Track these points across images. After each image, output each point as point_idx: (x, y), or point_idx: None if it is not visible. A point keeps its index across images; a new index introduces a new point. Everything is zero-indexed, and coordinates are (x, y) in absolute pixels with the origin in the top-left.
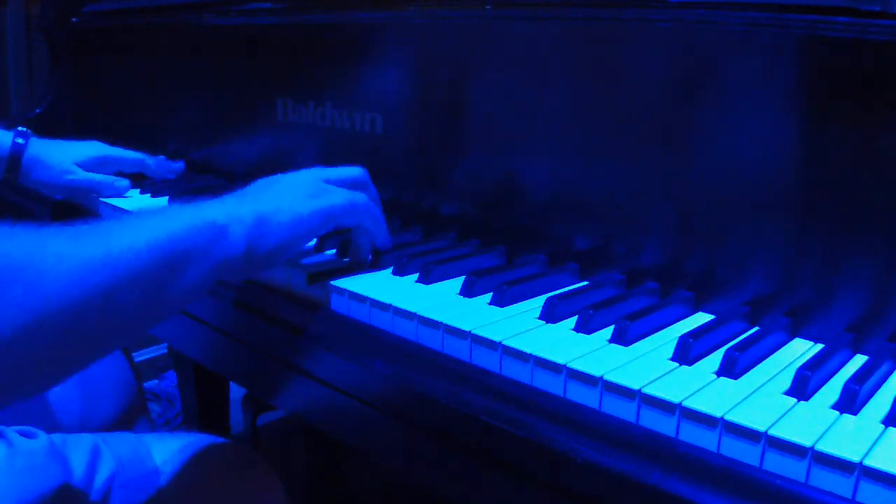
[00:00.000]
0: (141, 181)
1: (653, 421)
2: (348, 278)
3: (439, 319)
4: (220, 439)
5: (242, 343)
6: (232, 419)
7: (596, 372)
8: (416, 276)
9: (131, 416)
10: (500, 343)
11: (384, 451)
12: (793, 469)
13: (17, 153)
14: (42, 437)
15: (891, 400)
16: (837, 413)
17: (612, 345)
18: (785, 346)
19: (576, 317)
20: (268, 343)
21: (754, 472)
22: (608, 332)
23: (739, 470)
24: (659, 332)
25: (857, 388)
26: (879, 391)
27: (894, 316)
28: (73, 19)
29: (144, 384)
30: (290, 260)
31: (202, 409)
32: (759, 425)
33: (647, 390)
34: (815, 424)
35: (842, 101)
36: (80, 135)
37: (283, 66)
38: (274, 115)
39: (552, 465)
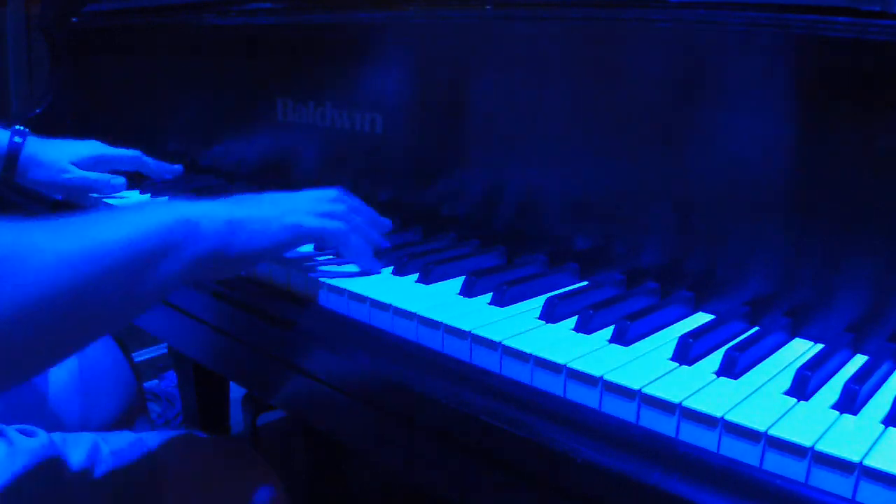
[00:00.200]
0: (141, 181)
1: (653, 421)
2: (348, 278)
3: (439, 319)
4: (221, 438)
5: (242, 343)
6: (232, 419)
7: (596, 372)
8: (415, 276)
9: (131, 415)
10: (500, 343)
11: (384, 451)
12: (793, 469)
13: (14, 152)
14: (42, 436)
15: (891, 400)
16: (837, 413)
17: (612, 345)
18: (785, 346)
19: (576, 317)
20: (267, 343)
21: (754, 472)
22: (608, 332)
23: (739, 470)
24: (659, 332)
25: (857, 388)
26: (879, 391)
27: (894, 316)
28: (73, 19)
29: (144, 384)
30: (291, 260)
31: (202, 409)
32: (759, 425)
33: (647, 390)
34: (815, 424)
35: (842, 101)
36: (81, 135)
37: (283, 66)
38: (274, 115)
39: (552, 465)
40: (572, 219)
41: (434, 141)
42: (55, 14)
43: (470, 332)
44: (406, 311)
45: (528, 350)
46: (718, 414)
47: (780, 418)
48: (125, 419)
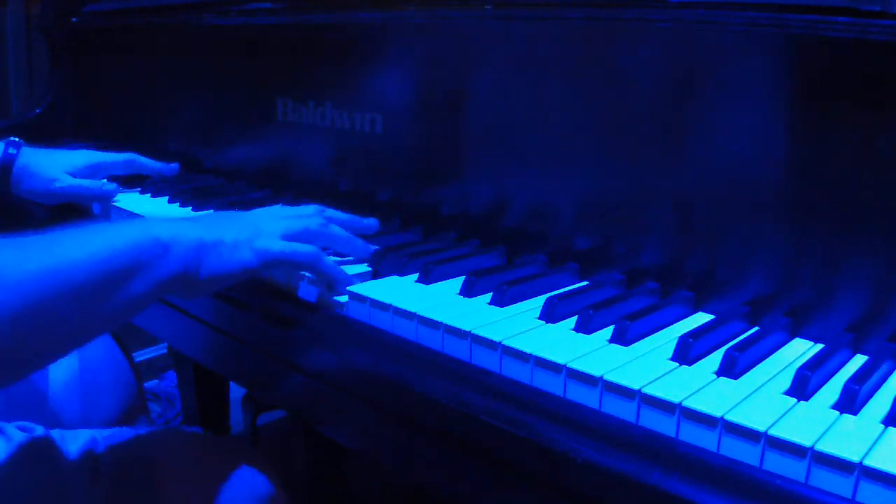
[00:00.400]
0: (141, 181)
1: (653, 421)
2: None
3: (439, 319)
4: (220, 437)
5: (242, 343)
6: (232, 419)
7: (596, 372)
8: (415, 276)
9: (131, 415)
10: (499, 343)
11: (384, 451)
12: (793, 469)
13: (7, 164)
14: (40, 432)
15: (891, 400)
16: (837, 413)
17: (612, 345)
18: (785, 346)
19: (576, 317)
20: (267, 343)
21: (754, 472)
22: (608, 332)
23: (739, 470)
24: (659, 332)
25: (857, 388)
26: (879, 391)
27: (894, 316)
28: (73, 19)
29: (144, 384)
30: None
31: (202, 409)
32: (759, 425)
33: (647, 390)
34: (815, 424)
35: (842, 101)
36: (81, 135)
37: (283, 66)
38: (274, 115)
39: (552, 465)
40: (572, 219)
41: (434, 141)
42: (55, 14)
43: (470, 332)
44: (406, 310)
45: (528, 350)
46: (718, 414)
47: (780, 418)
48: (125, 419)
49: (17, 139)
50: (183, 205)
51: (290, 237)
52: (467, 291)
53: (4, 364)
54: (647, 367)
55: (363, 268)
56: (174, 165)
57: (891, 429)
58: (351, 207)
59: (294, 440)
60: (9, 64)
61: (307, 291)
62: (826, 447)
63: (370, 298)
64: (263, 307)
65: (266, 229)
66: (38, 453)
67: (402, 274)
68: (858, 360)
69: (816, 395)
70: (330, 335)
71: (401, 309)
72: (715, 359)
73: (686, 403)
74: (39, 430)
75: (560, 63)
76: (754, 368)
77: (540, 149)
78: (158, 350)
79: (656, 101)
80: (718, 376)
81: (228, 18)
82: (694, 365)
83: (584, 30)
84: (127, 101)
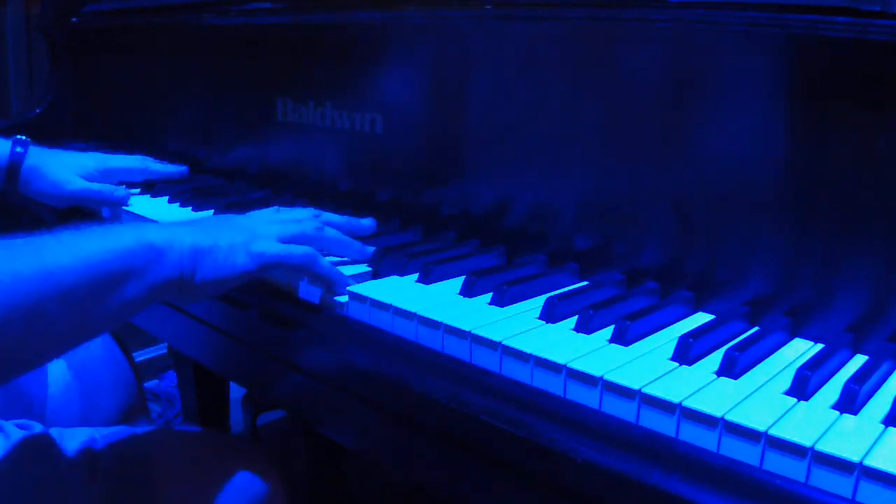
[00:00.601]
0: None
1: (653, 421)
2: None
3: (439, 319)
4: (220, 436)
5: (242, 343)
6: (232, 419)
7: (596, 372)
8: (415, 276)
9: (131, 415)
10: (499, 343)
11: (384, 452)
12: (793, 469)
13: (15, 163)
14: (39, 430)
15: (891, 400)
16: (837, 413)
17: (612, 345)
18: (785, 346)
19: (576, 317)
20: (267, 343)
21: (754, 472)
22: (608, 332)
23: (739, 470)
24: (659, 332)
25: (857, 388)
26: (879, 391)
27: (894, 316)
28: (73, 19)
29: (144, 384)
30: None
31: (202, 409)
32: (759, 425)
33: (647, 390)
34: (815, 424)
35: (842, 101)
36: (81, 135)
37: (283, 66)
38: (274, 115)
39: (552, 465)
40: (572, 219)
41: (434, 141)
42: (55, 14)
43: (470, 332)
44: (406, 310)
45: (527, 350)
46: (718, 414)
47: (780, 418)
48: (125, 419)
49: (24, 138)
50: (183, 205)
51: (286, 241)
52: (467, 291)
53: None
54: (648, 367)
55: (363, 268)
56: (183, 169)
57: (891, 429)
58: (351, 207)
59: (294, 440)
60: (9, 64)
61: (308, 292)
62: (826, 447)
63: (370, 298)
64: (263, 307)
65: (262, 233)
66: (37, 451)
67: (402, 274)
68: (858, 360)
69: (816, 395)
70: (330, 335)
71: (401, 309)
72: (715, 359)
73: (686, 403)
74: (38, 427)
75: (560, 63)
76: (754, 368)
77: (540, 149)
78: (158, 350)
79: (656, 101)
80: (718, 376)
81: (228, 18)
82: (694, 365)
83: (584, 30)
84: (127, 101)
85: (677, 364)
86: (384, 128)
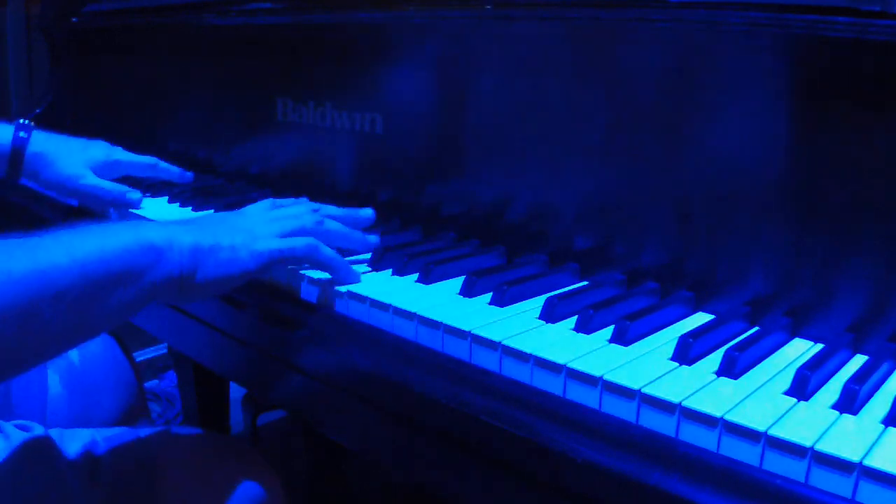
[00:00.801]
0: (139, 181)
1: (653, 421)
2: None
3: (439, 319)
4: (220, 436)
5: (242, 343)
6: (232, 419)
7: (596, 372)
8: (415, 276)
9: (132, 415)
10: (499, 343)
11: (384, 452)
12: (793, 469)
13: (18, 148)
14: (39, 431)
15: (891, 400)
16: (837, 413)
17: (612, 345)
18: (785, 346)
19: (576, 317)
20: (267, 343)
21: (754, 472)
22: (608, 331)
23: (739, 470)
24: (659, 332)
25: (856, 388)
26: (879, 391)
27: (894, 316)
28: (73, 19)
29: (144, 384)
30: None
31: (202, 409)
32: (758, 425)
33: (646, 390)
34: (814, 424)
35: (842, 101)
36: (81, 135)
37: (283, 66)
38: (274, 115)
39: (552, 466)
40: (572, 219)
41: (434, 141)
42: (55, 14)
43: (470, 332)
44: (406, 311)
45: (527, 350)
46: (718, 414)
47: (779, 418)
48: (125, 419)
49: (26, 122)
50: (183, 205)
51: (286, 236)
52: (467, 291)
53: None
54: (647, 367)
55: (363, 268)
56: (189, 174)
57: (891, 429)
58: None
59: (294, 440)
60: (9, 64)
61: (308, 292)
62: (826, 447)
63: (370, 298)
64: (263, 307)
65: (262, 231)
66: (37, 453)
67: (402, 274)
68: (859, 360)
69: (816, 395)
70: (330, 335)
71: (401, 309)
72: (715, 359)
73: (686, 403)
74: (39, 429)
75: (560, 63)
76: (754, 368)
77: (540, 149)
78: (158, 350)
79: (656, 101)
80: (718, 376)
81: (228, 18)
82: (694, 365)
83: (583, 30)
84: (127, 101)
85: (677, 364)
86: (384, 128)
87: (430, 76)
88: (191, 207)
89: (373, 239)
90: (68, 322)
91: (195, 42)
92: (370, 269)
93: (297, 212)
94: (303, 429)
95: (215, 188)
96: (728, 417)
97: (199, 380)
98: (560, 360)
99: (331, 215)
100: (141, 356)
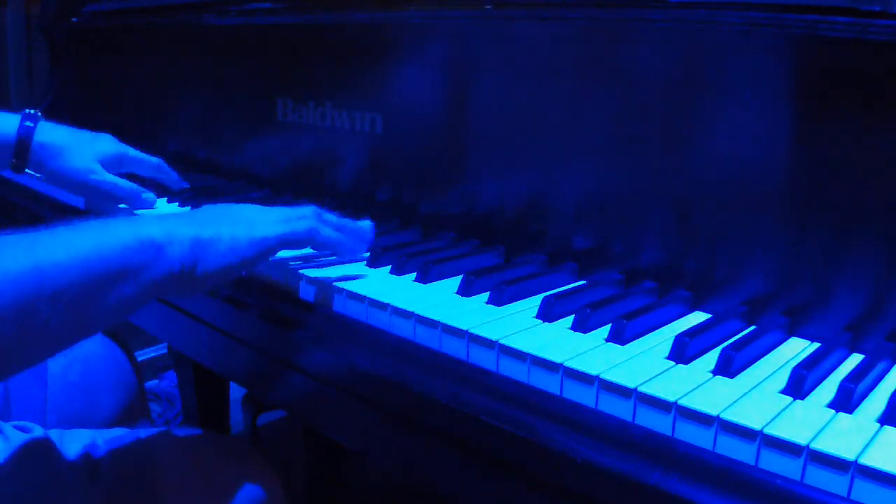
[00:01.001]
0: (139, 180)
1: (649, 420)
2: (347, 279)
3: (437, 319)
4: (220, 437)
5: (242, 343)
6: (232, 419)
7: (592, 370)
8: (414, 275)
9: (132, 415)
10: (496, 342)
11: (384, 451)
12: (789, 467)
13: (25, 137)
14: (38, 432)
15: (887, 398)
16: (833, 411)
17: (609, 343)
18: (782, 345)
19: (573, 316)
20: (267, 343)
21: (750, 470)
22: (605, 330)
23: (735, 468)
24: (656, 331)
25: (853, 386)
26: (875, 389)
27: (892, 315)
28: (73, 19)
29: (144, 384)
30: (290, 260)
31: (202, 409)
32: (754, 424)
33: (643, 389)
34: (811, 423)
35: (842, 101)
36: None
37: (283, 66)
38: (274, 115)
39: (552, 465)
40: (571, 218)
41: (434, 141)
42: (55, 14)
43: (467, 331)
44: (404, 310)
45: (524, 349)
46: (714, 412)
47: (775, 417)
48: (126, 419)
49: (33, 111)
50: (182, 204)
51: (286, 222)
52: (465, 291)
53: None
54: (644, 365)
55: (362, 267)
56: (184, 184)
57: (887, 427)
58: (351, 207)
59: (294, 440)
60: (9, 64)
61: (307, 291)
62: (822, 445)
63: (368, 298)
64: (263, 307)
65: (262, 220)
66: (37, 454)
67: (400, 273)
68: (855, 359)
69: (813, 393)
70: (328, 335)
71: (399, 308)
72: (712, 358)
73: (682, 402)
74: (38, 430)
75: (560, 63)
76: (751, 367)
77: (539, 149)
78: (158, 350)
79: (656, 101)
80: (715, 375)
81: (228, 18)
82: (690, 364)
83: (583, 30)
84: (127, 101)
85: (674, 363)
86: (384, 128)
87: (429, 76)
88: (190, 207)
89: (366, 224)
90: (67, 320)
91: (195, 42)
92: (369, 268)
93: (300, 213)
94: (303, 429)
95: (215, 188)
96: (724, 416)
97: (199, 380)
98: (557, 359)
99: (329, 223)
100: (141, 356)
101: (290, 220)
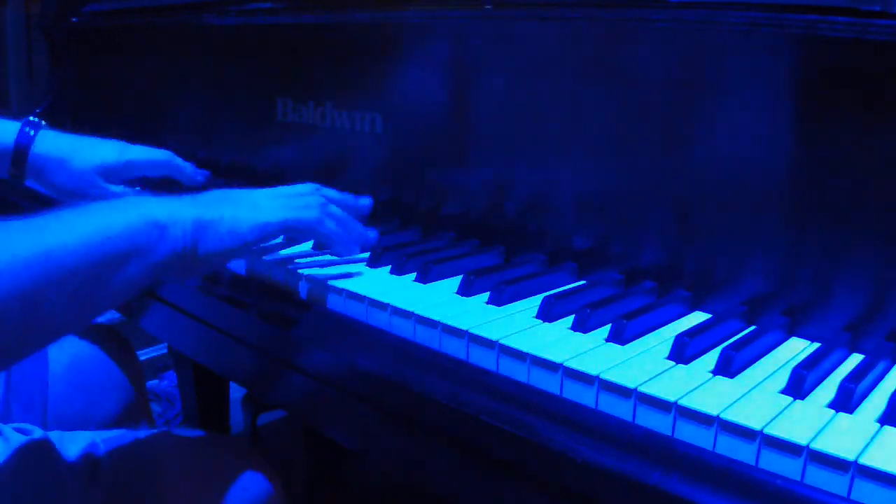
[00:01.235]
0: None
1: (649, 420)
2: (347, 279)
3: (437, 319)
4: (220, 437)
5: (242, 343)
6: (232, 419)
7: (592, 370)
8: (414, 275)
9: (132, 415)
10: (496, 342)
11: (384, 451)
12: (789, 467)
13: (23, 146)
14: (38, 434)
15: (887, 398)
16: (833, 412)
17: (609, 344)
18: (782, 345)
19: (573, 316)
20: (266, 342)
21: (750, 470)
22: (605, 330)
23: (735, 468)
24: (656, 331)
25: (853, 386)
26: (875, 389)
27: (892, 315)
28: (73, 19)
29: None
30: (289, 260)
31: (202, 409)
32: (754, 424)
33: (642, 389)
34: (811, 423)
35: (842, 101)
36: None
37: (283, 66)
38: (274, 115)
39: (552, 465)
40: (571, 218)
41: (434, 141)
42: (55, 14)
43: (467, 331)
44: (403, 310)
45: (524, 349)
46: (714, 412)
47: (775, 417)
48: (126, 418)
49: (34, 119)
50: None
51: (289, 209)
52: (465, 290)
53: None
54: (644, 365)
55: (362, 267)
56: (206, 172)
57: (887, 427)
58: None
59: (294, 440)
60: (9, 64)
61: (307, 291)
62: (822, 445)
63: (368, 297)
64: (263, 307)
65: (266, 204)
66: (37, 456)
67: (400, 273)
68: (855, 359)
69: (813, 393)
70: (328, 335)
71: (398, 308)
72: (711, 358)
73: (682, 402)
74: (38, 432)
75: (560, 63)
76: (751, 367)
77: (539, 148)
78: (158, 350)
79: (655, 101)
80: (715, 375)
81: (228, 18)
82: (690, 364)
83: (583, 30)
84: (127, 102)
85: (674, 363)
86: (384, 128)
87: (429, 76)
88: None
89: (370, 232)
90: (73, 303)
91: (195, 42)
92: (368, 268)
93: (302, 190)
94: (303, 429)
95: (215, 188)
96: (724, 416)
97: (199, 380)
98: (556, 359)
99: (331, 198)
100: (141, 356)
101: (296, 208)
